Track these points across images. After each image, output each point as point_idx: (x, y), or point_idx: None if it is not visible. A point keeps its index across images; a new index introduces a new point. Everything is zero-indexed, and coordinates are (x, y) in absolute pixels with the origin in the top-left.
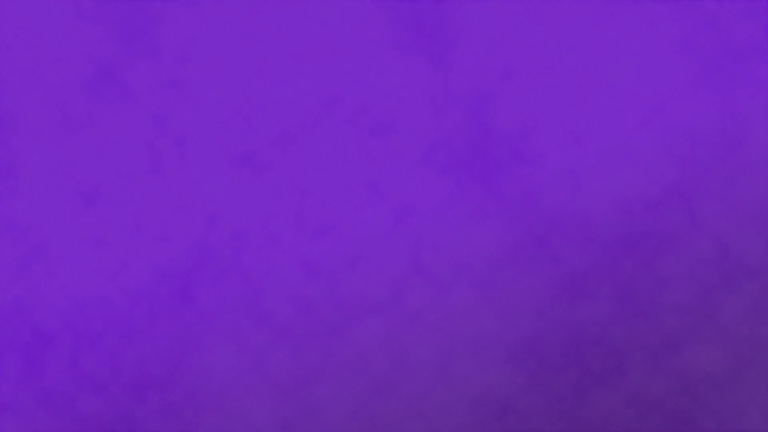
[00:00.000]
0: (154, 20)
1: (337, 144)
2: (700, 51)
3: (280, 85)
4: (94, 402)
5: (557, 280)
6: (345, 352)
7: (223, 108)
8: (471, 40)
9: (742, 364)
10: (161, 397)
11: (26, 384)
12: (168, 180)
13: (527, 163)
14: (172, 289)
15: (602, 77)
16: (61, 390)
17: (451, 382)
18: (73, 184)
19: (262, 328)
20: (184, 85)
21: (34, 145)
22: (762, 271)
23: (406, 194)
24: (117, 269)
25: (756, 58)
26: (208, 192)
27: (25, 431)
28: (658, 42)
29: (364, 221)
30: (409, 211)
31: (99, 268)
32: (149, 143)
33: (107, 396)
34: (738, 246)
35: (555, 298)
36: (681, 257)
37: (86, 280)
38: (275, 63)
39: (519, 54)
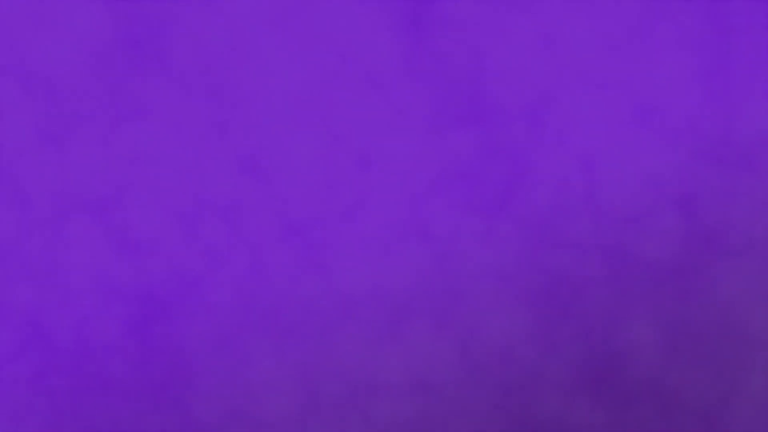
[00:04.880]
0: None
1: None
2: (701, 51)
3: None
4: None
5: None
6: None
7: (216, 108)
8: (470, 41)
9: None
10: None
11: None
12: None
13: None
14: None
15: (601, 76)
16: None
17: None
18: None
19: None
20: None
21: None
22: (758, 267)
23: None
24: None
25: (756, 58)
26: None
27: None
28: (657, 42)
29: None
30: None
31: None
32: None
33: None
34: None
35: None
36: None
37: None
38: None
39: (517, 55)
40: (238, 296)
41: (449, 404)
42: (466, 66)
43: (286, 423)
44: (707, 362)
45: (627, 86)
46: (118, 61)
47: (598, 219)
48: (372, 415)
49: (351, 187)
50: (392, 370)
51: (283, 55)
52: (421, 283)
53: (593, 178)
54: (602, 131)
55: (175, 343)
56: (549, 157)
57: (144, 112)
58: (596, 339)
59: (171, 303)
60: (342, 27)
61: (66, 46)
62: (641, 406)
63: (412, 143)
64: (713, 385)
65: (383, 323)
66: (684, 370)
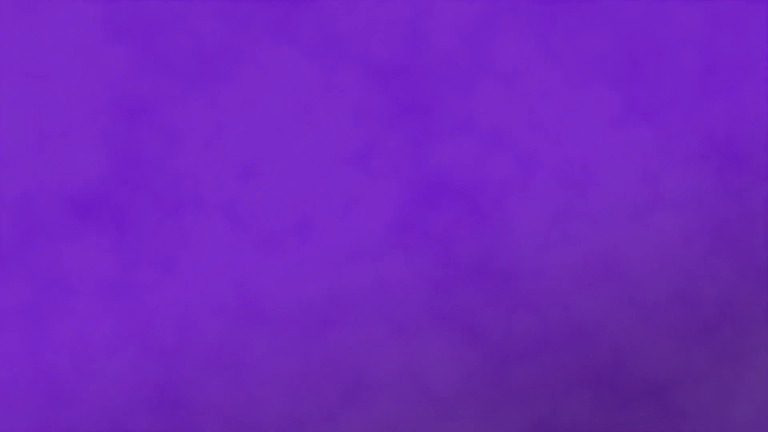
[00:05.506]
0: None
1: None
2: (701, 50)
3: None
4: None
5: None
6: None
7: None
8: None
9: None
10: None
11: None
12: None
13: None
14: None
15: (599, 76)
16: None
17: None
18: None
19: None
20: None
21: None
22: (757, 273)
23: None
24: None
25: (757, 58)
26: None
27: None
28: (657, 41)
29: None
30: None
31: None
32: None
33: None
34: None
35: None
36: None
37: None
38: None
39: (515, 54)
40: (236, 296)
41: (447, 405)
42: (461, 67)
43: (285, 424)
44: (706, 362)
45: (627, 86)
46: (114, 57)
47: (597, 219)
48: (371, 414)
49: (348, 186)
50: (392, 371)
51: (281, 53)
52: (420, 283)
53: (592, 178)
54: (602, 131)
55: (174, 344)
56: (547, 157)
57: (140, 110)
58: (594, 339)
59: (171, 303)
60: (339, 28)
61: (58, 42)
62: (640, 406)
63: (409, 144)
64: (712, 385)
65: (383, 323)
66: (683, 369)
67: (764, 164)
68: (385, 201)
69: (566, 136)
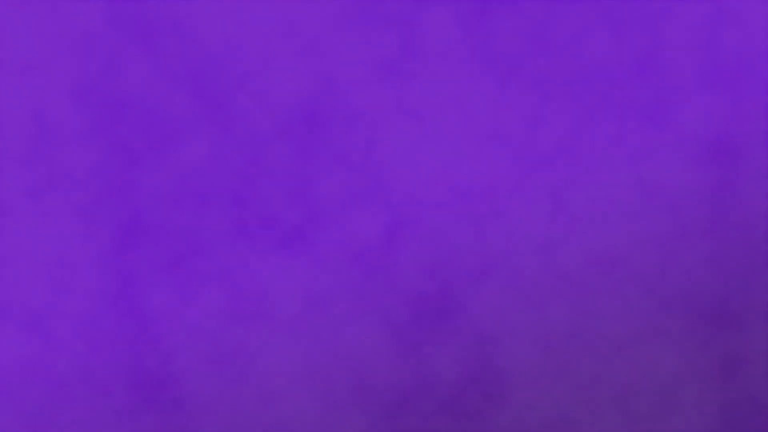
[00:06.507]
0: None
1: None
2: (702, 50)
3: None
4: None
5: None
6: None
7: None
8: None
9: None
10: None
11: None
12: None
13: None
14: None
15: (600, 76)
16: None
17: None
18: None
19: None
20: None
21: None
22: (754, 276)
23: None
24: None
25: (756, 58)
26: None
27: None
28: (658, 41)
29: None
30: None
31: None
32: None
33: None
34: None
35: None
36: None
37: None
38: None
39: (516, 53)
40: (237, 296)
41: (447, 404)
42: (456, 65)
43: (285, 423)
44: (706, 362)
45: (627, 85)
46: (114, 56)
47: (597, 219)
48: (371, 414)
49: (348, 186)
50: (391, 370)
51: (281, 53)
52: (420, 283)
53: (592, 178)
54: (601, 131)
55: (174, 343)
56: (547, 156)
57: (140, 110)
58: (594, 338)
59: (171, 302)
60: (338, 27)
61: (59, 41)
62: (639, 405)
63: (408, 144)
64: (712, 384)
65: (383, 323)
66: (683, 369)
67: (764, 164)
68: (384, 200)
69: (566, 135)
